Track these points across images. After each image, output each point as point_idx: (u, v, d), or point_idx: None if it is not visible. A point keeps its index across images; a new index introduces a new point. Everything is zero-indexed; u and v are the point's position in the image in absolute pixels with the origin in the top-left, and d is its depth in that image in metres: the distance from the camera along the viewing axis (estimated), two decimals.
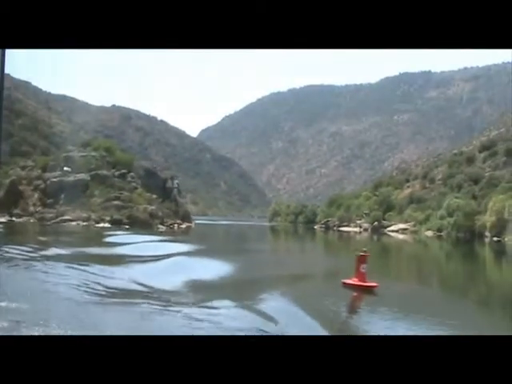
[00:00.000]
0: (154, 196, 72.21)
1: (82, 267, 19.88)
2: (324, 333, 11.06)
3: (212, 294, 15.66)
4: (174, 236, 51.45)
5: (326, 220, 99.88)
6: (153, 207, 66.69)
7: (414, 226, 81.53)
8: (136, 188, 72.39)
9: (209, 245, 44.26)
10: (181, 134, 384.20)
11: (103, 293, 14.98)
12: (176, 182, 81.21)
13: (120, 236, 42.57)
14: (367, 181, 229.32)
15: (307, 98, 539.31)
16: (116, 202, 67.21)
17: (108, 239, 39.42)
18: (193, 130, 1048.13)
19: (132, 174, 74.44)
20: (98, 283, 16.42)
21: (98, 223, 62.98)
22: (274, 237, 75.24)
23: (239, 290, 17.92)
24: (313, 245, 58.71)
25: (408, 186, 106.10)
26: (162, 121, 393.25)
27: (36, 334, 9.30)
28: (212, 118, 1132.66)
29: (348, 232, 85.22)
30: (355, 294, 16.93)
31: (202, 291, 16.43)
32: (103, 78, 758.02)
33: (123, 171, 74.49)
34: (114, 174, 73.39)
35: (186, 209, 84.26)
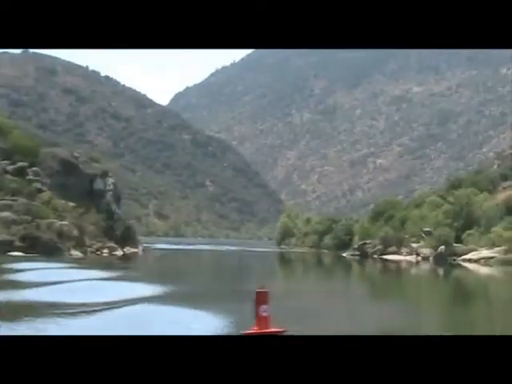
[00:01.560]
0: (72, 204, 71.56)
1: None
2: None
3: None
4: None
5: (361, 243, 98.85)
6: (64, 222, 66.33)
7: (506, 253, 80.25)
8: (41, 191, 71.64)
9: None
10: (140, 101, 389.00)
11: None
12: (111, 181, 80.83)
13: None
14: (508, 176, 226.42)
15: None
16: (5, 214, 67.40)
17: None
18: (161, 94, 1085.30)
19: (35, 168, 74.16)
20: None
21: None
22: (272, 275, 71.61)
23: None
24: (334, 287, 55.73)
25: (504, 188, 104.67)
26: (107, 78, 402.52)
27: None
28: (193, 74, 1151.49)
29: (397, 262, 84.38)
30: None
31: None
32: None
33: (21, 164, 74.23)
34: (4, 169, 73.00)
35: (128, 225, 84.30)
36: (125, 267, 59.50)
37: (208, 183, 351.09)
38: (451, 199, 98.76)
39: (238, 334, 19.75)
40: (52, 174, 75.41)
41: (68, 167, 78.06)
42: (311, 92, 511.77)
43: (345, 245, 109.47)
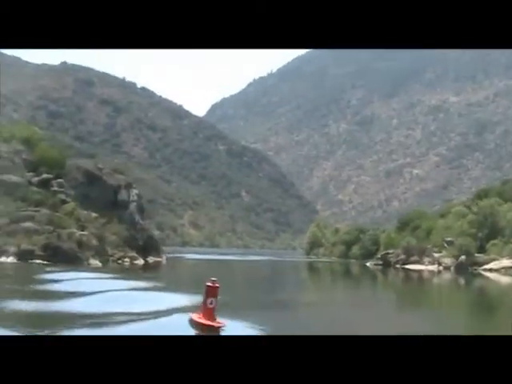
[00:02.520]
0: (94, 214, 73.10)
1: None
2: None
3: None
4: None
5: (384, 253, 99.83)
6: (84, 232, 67.81)
7: None
8: (65, 202, 73.29)
9: None
10: (176, 112, 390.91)
11: None
12: (135, 192, 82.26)
13: None
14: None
15: (389, 50, 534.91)
16: (27, 224, 68.76)
17: None
18: (197, 106, 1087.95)
19: (60, 180, 75.77)
20: None
21: None
22: (302, 284, 73.12)
23: None
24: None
25: None
26: (144, 89, 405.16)
27: None
28: (230, 86, 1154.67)
29: (419, 271, 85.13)
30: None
31: None
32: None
33: (46, 176, 75.81)
34: (30, 181, 74.44)
35: (151, 235, 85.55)
36: (157, 277, 60.11)
37: (243, 193, 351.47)
38: (475, 209, 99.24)
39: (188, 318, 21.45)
40: (76, 186, 76.81)
41: (92, 178, 79.39)
42: (348, 102, 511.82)
43: (371, 255, 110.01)
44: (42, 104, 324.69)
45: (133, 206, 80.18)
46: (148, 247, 78.84)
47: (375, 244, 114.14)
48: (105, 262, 68.43)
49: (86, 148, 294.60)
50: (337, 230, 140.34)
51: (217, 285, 21.39)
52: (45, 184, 75.09)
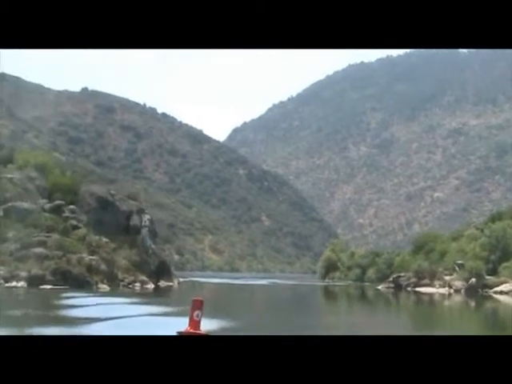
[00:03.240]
0: (105, 240, 74.31)
1: None
2: None
3: None
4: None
5: (396, 276, 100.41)
6: (93, 257, 68.87)
7: None
8: (76, 227, 74.62)
9: None
10: (197, 137, 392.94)
11: None
12: (147, 217, 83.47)
13: None
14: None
15: (409, 73, 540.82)
16: (38, 250, 69.77)
17: None
18: (218, 130, 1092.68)
19: (72, 206, 77.07)
20: None
21: (7, 281, 65.17)
22: (321, 308, 73.96)
23: None
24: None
25: None
26: (164, 114, 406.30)
27: None
28: (250, 110, 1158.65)
29: (430, 294, 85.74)
30: None
31: None
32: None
33: (58, 202, 77.16)
34: (42, 207, 75.87)
35: (163, 260, 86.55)
36: (178, 302, 60.43)
37: (263, 218, 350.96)
38: (488, 232, 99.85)
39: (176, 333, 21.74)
40: (89, 211, 78.17)
41: (105, 204, 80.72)
42: (368, 125, 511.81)
43: (387, 278, 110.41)
44: (63, 130, 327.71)
45: (145, 231, 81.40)
46: (160, 272, 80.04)
47: (390, 267, 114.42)
48: (114, 286, 69.41)
49: (106, 173, 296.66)
50: (352, 254, 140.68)
51: (201, 299, 22.26)
52: (57, 210, 76.50)
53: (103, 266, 70.08)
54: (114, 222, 78.47)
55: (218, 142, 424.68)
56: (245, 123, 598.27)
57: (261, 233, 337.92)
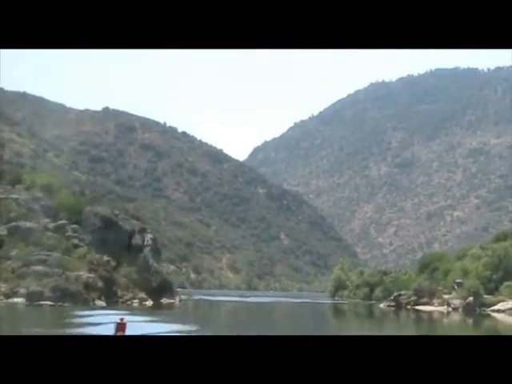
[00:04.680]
0: (106, 258, 76.07)
1: None
2: None
3: None
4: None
5: (397, 294, 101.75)
6: (90, 275, 70.64)
7: None
8: (78, 246, 76.50)
9: None
10: (217, 156, 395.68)
11: None
12: (149, 236, 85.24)
13: None
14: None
15: (430, 92, 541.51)
16: (38, 268, 71.67)
17: None
18: (238, 150, 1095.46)
19: (74, 226, 79.00)
20: None
21: (8, 297, 67.14)
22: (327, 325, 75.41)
23: None
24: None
25: None
26: (185, 134, 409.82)
27: None
28: (272, 129, 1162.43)
29: (429, 312, 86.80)
30: None
31: None
32: (90, 66, 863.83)
33: (61, 222, 79.17)
34: (46, 227, 77.84)
35: (165, 277, 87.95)
36: (195, 321, 61.15)
37: (282, 236, 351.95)
38: (490, 252, 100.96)
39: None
40: (94, 230, 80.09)
41: (108, 224, 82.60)
42: (388, 145, 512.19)
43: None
44: (84, 149, 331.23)
45: (147, 250, 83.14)
46: (162, 289, 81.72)
47: (396, 286, 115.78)
48: (111, 302, 71.06)
49: (126, 192, 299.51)
50: (361, 273, 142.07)
51: (124, 321, 23.64)
52: (60, 229, 78.46)
53: (100, 284, 71.82)
54: (117, 241, 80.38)
55: (237, 161, 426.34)
56: (266, 142, 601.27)
57: (279, 251, 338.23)
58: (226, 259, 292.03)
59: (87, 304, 66.14)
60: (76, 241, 78.12)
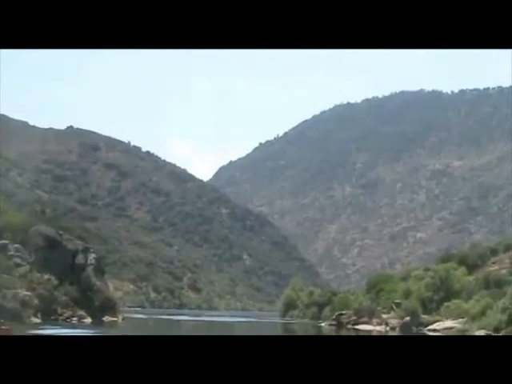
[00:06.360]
0: (46, 277, 78.20)
1: None
2: None
3: None
4: None
5: (338, 314, 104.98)
6: (27, 293, 72.83)
7: (465, 323, 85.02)
8: (19, 265, 78.73)
9: None
10: (180, 176, 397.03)
11: None
12: (92, 256, 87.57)
13: None
14: (499, 251, 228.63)
15: (394, 114, 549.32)
16: None
17: None
18: (202, 170, 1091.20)
19: (17, 245, 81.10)
20: None
21: None
22: None
23: None
24: None
25: (493, 263, 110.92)
26: (149, 153, 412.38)
27: None
28: (236, 149, 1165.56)
29: (368, 331, 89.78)
30: None
31: None
32: (53, 85, 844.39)
33: (2, 242, 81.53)
34: None
35: (107, 295, 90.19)
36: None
37: (245, 256, 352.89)
38: (432, 273, 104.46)
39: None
40: (38, 250, 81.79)
41: (52, 243, 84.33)
42: (353, 166, 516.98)
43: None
44: (48, 168, 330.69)
45: (89, 269, 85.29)
46: (104, 307, 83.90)
47: (343, 306, 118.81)
48: (48, 319, 73.26)
49: (88, 211, 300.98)
50: (311, 293, 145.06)
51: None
52: (2, 249, 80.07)
53: (36, 301, 74.02)
54: (60, 260, 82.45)
55: (201, 180, 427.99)
56: (231, 162, 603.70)
57: (242, 271, 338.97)
58: (186, 279, 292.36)
59: (23, 321, 68.43)
60: (18, 260, 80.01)
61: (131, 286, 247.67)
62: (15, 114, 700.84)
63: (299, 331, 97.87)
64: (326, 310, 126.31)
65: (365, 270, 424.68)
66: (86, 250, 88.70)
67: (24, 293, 73.68)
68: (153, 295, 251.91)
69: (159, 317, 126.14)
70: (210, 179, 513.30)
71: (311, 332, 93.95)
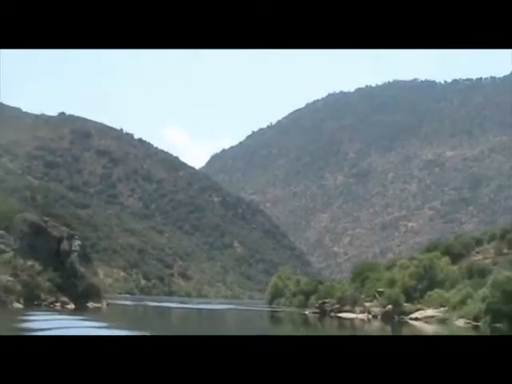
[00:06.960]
0: (30, 263, 79.13)
1: None
2: None
3: None
4: None
5: (321, 302, 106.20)
6: (10, 278, 73.83)
7: (445, 312, 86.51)
8: (3, 252, 79.73)
9: None
10: (172, 163, 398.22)
11: None
12: (77, 243, 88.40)
13: None
14: (483, 241, 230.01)
15: (387, 103, 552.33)
16: None
17: None
18: (195, 157, 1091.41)
19: (1, 232, 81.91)
20: None
21: None
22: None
23: None
24: None
25: (478, 252, 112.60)
26: (141, 140, 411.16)
27: None
28: (229, 137, 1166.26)
29: (351, 319, 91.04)
30: None
31: None
32: (46, 70, 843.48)
33: None
34: None
35: (92, 282, 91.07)
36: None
37: (236, 244, 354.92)
38: (416, 262, 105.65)
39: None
40: (23, 237, 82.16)
41: (37, 230, 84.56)
42: (345, 155, 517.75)
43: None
44: (39, 154, 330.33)
45: (74, 256, 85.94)
46: (88, 294, 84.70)
47: (329, 294, 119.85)
48: (31, 305, 74.27)
49: (80, 198, 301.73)
50: (298, 281, 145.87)
51: None
52: None
53: (19, 287, 74.90)
54: (45, 247, 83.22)
55: (193, 168, 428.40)
56: (224, 150, 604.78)
57: (232, 259, 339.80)
58: (177, 266, 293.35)
59: (6, 307, 69.53)
60: (2, 246, 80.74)
61: (121, 273, 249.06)
62: (8, 101, 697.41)
63: (285, 318, 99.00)
64: (313, 299, 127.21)
65: (356, 258, 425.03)
66: (70, 237, 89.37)
67: (7, 278, 74.57)
68: (143, 282, 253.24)
69: (147, 303, 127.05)
70: (203, 167, 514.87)
71: (297, 319, 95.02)
